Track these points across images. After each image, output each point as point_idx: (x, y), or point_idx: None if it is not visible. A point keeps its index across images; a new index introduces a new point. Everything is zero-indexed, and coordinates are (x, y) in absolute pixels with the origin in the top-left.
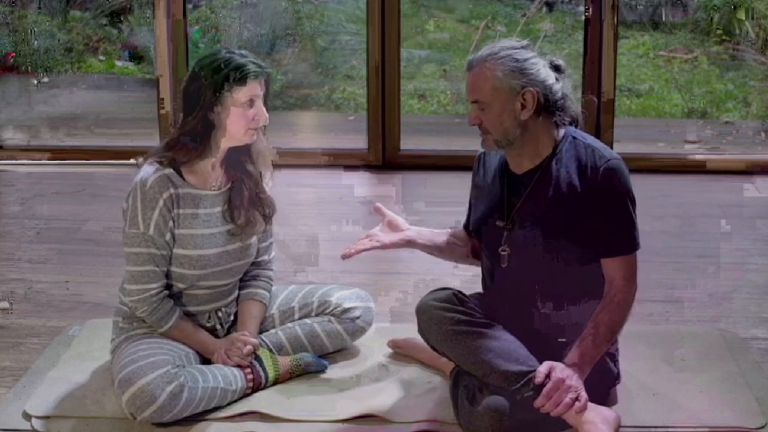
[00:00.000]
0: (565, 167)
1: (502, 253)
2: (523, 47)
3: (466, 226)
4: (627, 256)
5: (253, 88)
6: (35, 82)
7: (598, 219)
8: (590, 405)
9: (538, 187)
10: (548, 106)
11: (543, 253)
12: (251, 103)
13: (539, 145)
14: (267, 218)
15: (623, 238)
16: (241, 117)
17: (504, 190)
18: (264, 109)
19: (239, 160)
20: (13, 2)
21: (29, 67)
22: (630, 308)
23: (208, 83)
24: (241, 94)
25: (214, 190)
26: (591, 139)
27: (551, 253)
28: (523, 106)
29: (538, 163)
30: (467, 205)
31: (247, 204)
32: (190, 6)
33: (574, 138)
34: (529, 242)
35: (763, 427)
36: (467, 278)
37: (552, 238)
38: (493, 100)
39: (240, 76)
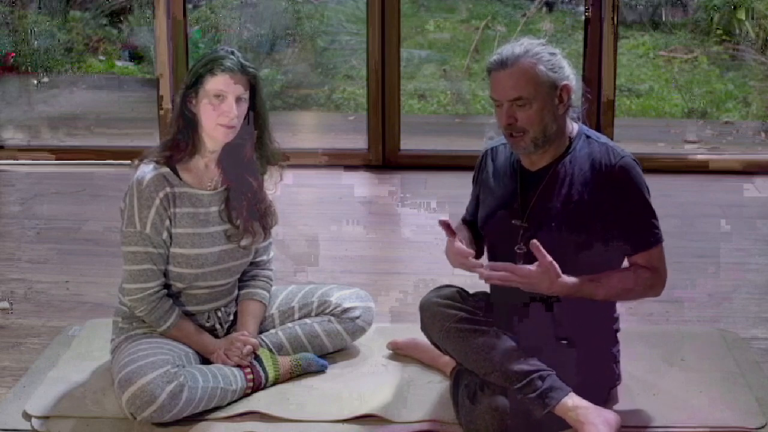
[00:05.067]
0: (579, 164)
1: (518, 251)
2: (546, 44)
3: (465, 219)
4: (650, 249)
5: (224, 82)
6: (35, 82)
7: (618, 216)
8: (591, 406)
9: (552, 184)
10: (571, 102)
11: (560, 251)
12: (221, 98)
13: (559, 142)
14: (267, 230)
15: (644, 234)
16: (209, 109)
17: (517, 188)
18: (233, 107)
19: (237, 167)
20: (13, 2)
21: (29, 67)
22: (648, 293)
23: (188, 74)
24: (210, 84)
25: (210, 189)
26: (604, 138)
27: (568, 250)
28: (560, 101)
29: (553, 160)
30: (470, 200)
31: (246, 214)
32: (190, 6)
33: (587, 136)
34: (546, 240)
35: (763, 427)
36: (467, 277)
37: (569, 235)
38: (536, 96)
39: (211, 66)
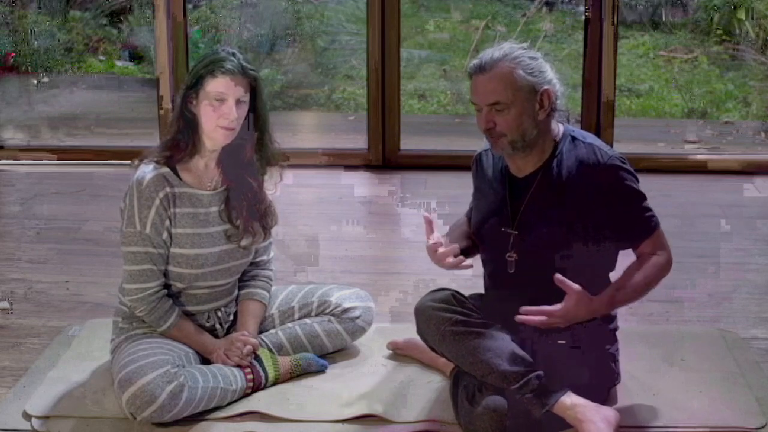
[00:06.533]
0: (567, 168)
1: (509, 259)
2: (527, 48)
3: (468, 216)
4: (653, 235)
5: (224, 84)
6: (35, 82)
7: (613, 214)
8: (590, 403)
9: (541, 190)
10: (555, 106)
11: (552, 257)
12: (222, 99)
13: (544, 146)
14: (267, 230)
15: (644, 223)
16: (209, 111)
17: (506, 195)
18: (233, 110)
19: (237, 168)
20: (13, 2)
21: (29, 67)
22: (664, 274)
23: (189, 75)
24: (210, 86)
25: (210, 189)
26: (590, 138)
27: (559, 255)
28: (541, 106)
29: (539, 165)
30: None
31: (246, 214)
32: (190, 6)
33: (573, 138)
34: (538, 247)
35: (763, 427)
36: (467, 278)
37: (560, 240)
38: (514, 101)
39: (212, 68)
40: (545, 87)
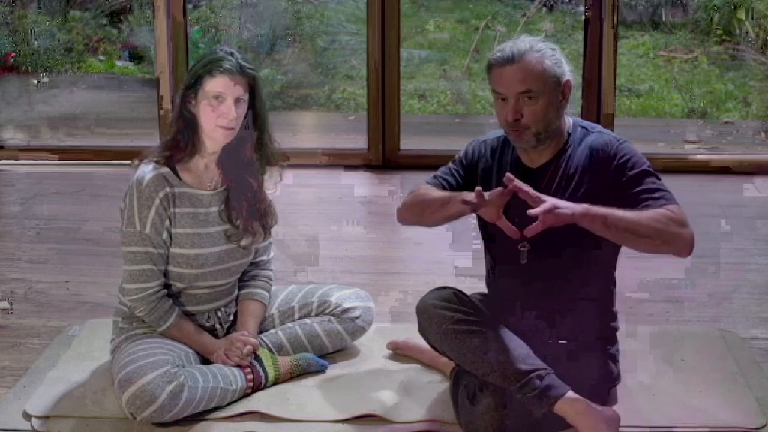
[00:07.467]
0: (580, 156)
1: (522, 249)
2: (545, 41)
3: (437, 184)
4: (669, 206)
5: (223, 84)
6: (35, 82)
7: (630, 193)
8: (591, 404)
9: (555, 180)
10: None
11: (568, 246)
12: (221, 99)
13: (558, 136)
14: (267, 229)
15: (662, 195)
16: (208, 110)
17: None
18: (232, 109)
19: (237, 167)
20: (13, 2)
21: (29, 67)
22: (673, 242)
23: (187, 75)
24: (209, 86)
25: (210, 189)
26: (598, 127)
27: (576, 244)
28: (563, 96)
29: (553, 155)
30: (448, 175)
31: (246, 214)
32: (190, 6)
33: (582, 127)
34: (553, 236)
35: (763, 427)
36: (467, 278)
37: (577, 228)
38: (544, 90)
39: (211, 68)
40: (567, 78)
